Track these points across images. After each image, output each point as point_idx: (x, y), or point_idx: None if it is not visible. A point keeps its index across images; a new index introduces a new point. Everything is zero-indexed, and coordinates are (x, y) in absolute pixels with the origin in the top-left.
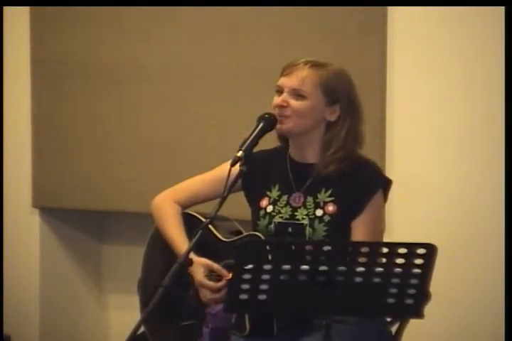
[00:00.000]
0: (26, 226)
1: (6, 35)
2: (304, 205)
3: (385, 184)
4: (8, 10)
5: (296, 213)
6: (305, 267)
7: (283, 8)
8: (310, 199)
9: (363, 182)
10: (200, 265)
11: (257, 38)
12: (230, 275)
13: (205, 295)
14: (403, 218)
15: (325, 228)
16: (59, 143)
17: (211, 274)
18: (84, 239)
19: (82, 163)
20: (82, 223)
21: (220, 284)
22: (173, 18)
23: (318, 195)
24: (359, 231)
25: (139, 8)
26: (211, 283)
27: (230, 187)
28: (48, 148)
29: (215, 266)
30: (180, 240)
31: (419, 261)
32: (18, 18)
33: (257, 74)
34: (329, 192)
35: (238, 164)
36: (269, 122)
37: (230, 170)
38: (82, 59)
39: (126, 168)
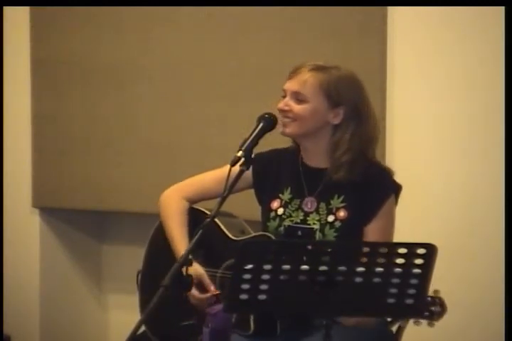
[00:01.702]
0: (26, 226)
1: (6, 35)
2: (317, 211)
3: (396, 189)
4: (8, 10)
5: (308, 218)
6: (305, 267)
7: (283, 8)
8: (323, 205)
9: (376, 188)
10: (193, 273)
11: (257, 38)
12: (217, 291)
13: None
14: (403, 218)
15: (335, 234)
16: (59, 143)
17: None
18: (84, 239)
19: (82, 163)
20: (82, 223)
21: (203, 296)
22: (173, 18)
23: (331, 201)
24: (370, 237)
25: (138, 8)
26: (196, 293)
27: (230, 188)
28: (48, 148)
29: (205, 279)
30: (180, 240)
31: (419, 261)
32: (18, 18)
33: (257, 74)
34: (341, 198)
35: (238, 164)
36: (269, 122)
37: (230, 170)
38: (82, 59)
39: (126, 168)
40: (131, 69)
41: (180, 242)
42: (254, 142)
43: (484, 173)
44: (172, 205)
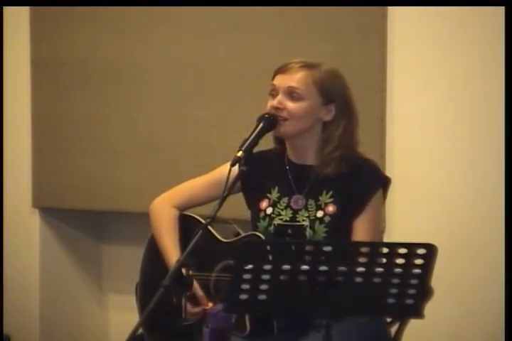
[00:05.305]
0: (26, 226)
1: (6, 35)
2: (306, 208)
3: (384, 183)
4: (8, 10)
5: (297, 215)
6: (305, 267)
7: (283, 8)
8: (312, 202)
9: (363, 182)
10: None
11: (257, 38)
12: (210, 305)
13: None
14: (403, 218)
15: (325, 229)
16: (59, 143)
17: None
18: (84, 239)
19: (82, 163)
20: (82, 223)
21: (196, 310)
22: (173, 18)
23: (320, 197)
24: (360, 230)
25: (139, 8)
26: (188, 307)
27: (230, 188)
28: (47, 148)
29: (199, 292)
30: (171, 249)
31: (419, 262)
32: (18, 18)
33: (257, 74)
34: (330, 193)
35: (238, 164)
36: (269, 122)
37: (230, 170)
38: (82, 59)
39: (126, 168)
40: (131, 69)
41: (172, 253)
42: (255, 142)
43: (484, 173)
44: (161, 213)
